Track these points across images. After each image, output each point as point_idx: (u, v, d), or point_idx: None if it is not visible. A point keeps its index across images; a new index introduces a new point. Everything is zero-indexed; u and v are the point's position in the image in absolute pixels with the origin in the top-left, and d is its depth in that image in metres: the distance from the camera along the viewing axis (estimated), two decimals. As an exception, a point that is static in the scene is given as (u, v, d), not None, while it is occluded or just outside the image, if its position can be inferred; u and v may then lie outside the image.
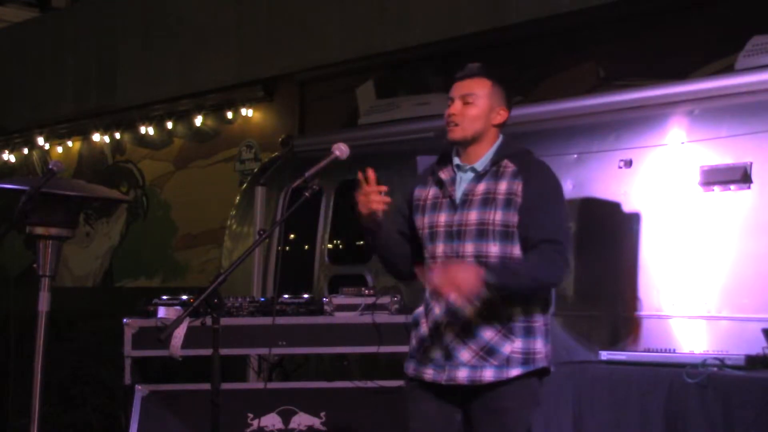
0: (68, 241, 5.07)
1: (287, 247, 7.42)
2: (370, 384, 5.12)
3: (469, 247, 3.40)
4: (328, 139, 6.12)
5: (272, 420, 5.13)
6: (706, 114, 5.30)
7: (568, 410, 4.61)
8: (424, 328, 3.49)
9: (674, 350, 4.78)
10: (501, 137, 3.56)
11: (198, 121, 10.86)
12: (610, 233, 5.49)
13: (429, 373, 3.44)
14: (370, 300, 5.11)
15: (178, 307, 5.05)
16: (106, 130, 12.09)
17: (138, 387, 5.11)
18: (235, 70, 9.98)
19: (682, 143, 5.27)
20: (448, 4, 8.00)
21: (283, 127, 9.80)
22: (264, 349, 5.27)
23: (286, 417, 5.14)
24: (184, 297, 5.24)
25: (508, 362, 3.32)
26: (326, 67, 9.29)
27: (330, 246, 7.01)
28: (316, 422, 5.13)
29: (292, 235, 7.39)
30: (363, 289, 5.26)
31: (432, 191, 3.57)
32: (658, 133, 5.40)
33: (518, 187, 3.39)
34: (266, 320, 5.01)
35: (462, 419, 3.44)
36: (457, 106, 3.51)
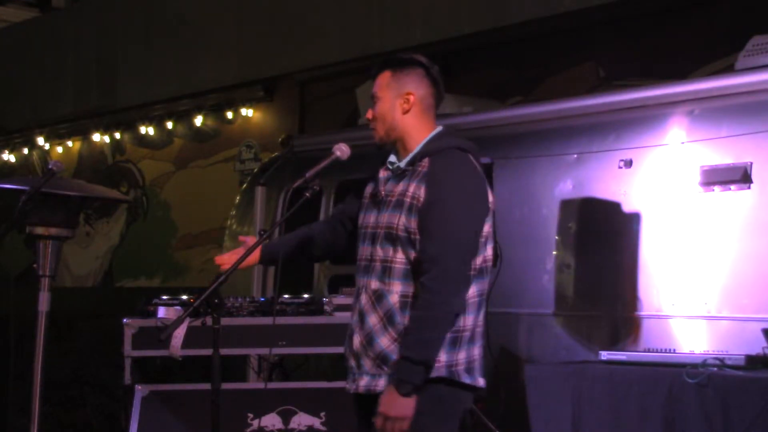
0: (68, 241, 5.07)
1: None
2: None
3: (379, 252, 3.24)
4: (328, 139, 6.13)
5: (272, 420, 5.14)
6: (706, 114, 5.29)
7: (568, 410, 4.61)
8: (348, 332, 3.35)
9: (674, 350, 4.77)
10: (437, 130, 3.33)
11: (198, 121, 10.86)
12: (610, 233, 5.48)
13: (347, 383, 3.32)
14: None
15: (178, 307, 5.05)
16: (106, 130, 12.10)
17: (138, 387, 5.11)
18: (235, 70, 9.98)
19: (682, 143, 5.27)
20: (448, 4, 8.01)
21: (283, 127, 9.81)
22: (264, 349, 5.27)
23: (286, 417, 5.14)
24: (184, 297, 5.24)
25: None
26: (326, 67, 9.29)
27: (330, 246, 7.00)
28: (316, 422, 5.13)
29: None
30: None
31: (369, 189, 3.43)
32: (658, 133, 5.40)
33: (421, 190, 3.18)
34: (266, 320, 5.01)
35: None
36: (369, 110, 3.40)
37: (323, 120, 9.67)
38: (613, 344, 5.28)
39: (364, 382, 3.21)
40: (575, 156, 5.67)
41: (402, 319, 3.14)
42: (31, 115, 12.63)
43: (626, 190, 5.41)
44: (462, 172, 3.21)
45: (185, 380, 5.95)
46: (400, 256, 3.20)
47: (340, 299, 5.17)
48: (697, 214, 5.12)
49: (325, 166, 3.58)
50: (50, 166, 4.72)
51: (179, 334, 4.35)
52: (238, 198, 7.92)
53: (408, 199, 3.20)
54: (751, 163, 4.93)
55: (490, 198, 3.26)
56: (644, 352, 4.77)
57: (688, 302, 5.11)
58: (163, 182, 11.63)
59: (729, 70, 5.72)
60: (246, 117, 10.49)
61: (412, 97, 3.33)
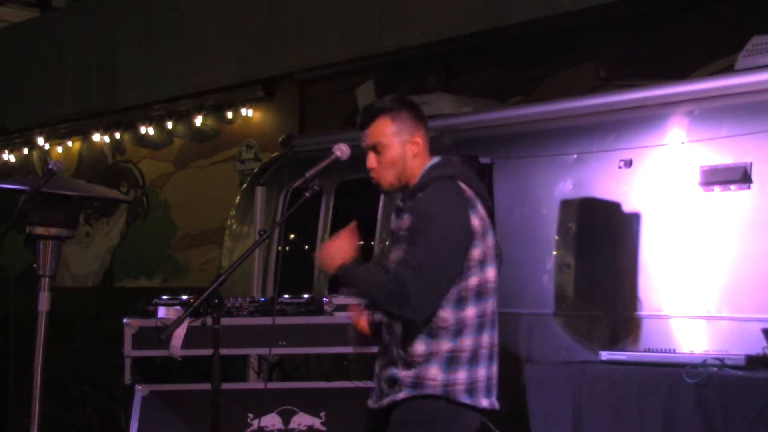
0: (68, 241, 5.07)
1: (287, 247, 7.42)
2: (370, 384, 5.11)
3: None
4: (328, 139, 6.13)
5: (272, 420, 5.14)
6: (706, 114, 5.30)
7: (568, 410, 4.61)
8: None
9: (674, 350, 4.77)
10: (431, 163, 3.37)
11: (198, 121, 10.86)
12: (610, 233, 5.49)
13: (370, 402, 3.43)
14: (370, 300, 5.10)
15: (178, 307, 5.05)
16: (106, 130, 12.10)
17: (138, 387, 5.11)
18: (235, 70, 9.98)
19: (682, 143, 5.27)
20: (448, 4, 8.01)
21: (283, 127, 9.81)
22: (264, 349, 5.27)
23: (286, 417, 5.14)
24: (184, 297, 5.24)
25: (399, 386, 3.25)
26: (326, 67, 9.30)
27: (330, 246, 7.00)
28: (316, 422, 5.13)
29: (292, 235, 7.39)
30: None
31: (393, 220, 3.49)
32: (658, 133, 5.40)
33: (407, 221, 3.27)
34: (266, 320, 5.01)
35: None
36: (371, 159, 3.36)
37: (323, 120, 9.67)
38: (613, 344, 5.28)
39: (386, 400, 3.31)
40: (575, 156, 5.67)
41: (410, 349, 3.22)
42: (31, 115, 12.63)
43: (626, 190, 5.41)
44: (437, 201, 3.25)
45: (185, 380, 5.96)
46: None
47: (340, 299, 5.16)
48: (697, 214, 5.12)
49: (325, 166, 3.58)
50: (50, 166, 4.72)
51: (179, 334, 4.36)
52: (238, 198, 7.92)
53: (402, 233, 3.28)
54: (751, 163, 4.93)
55: (475, 222, 3.26)
56: (644, 352, 4.77)
57: (688, 302, 5.11)
58: (163, 182, 11.63)
59: (729, 70, 5.72)
60: (246, 117, 10.49)
61: (420, 140, 3.36)
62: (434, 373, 3.20)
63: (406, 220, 3.28)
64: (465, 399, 3.23)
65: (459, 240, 3.21)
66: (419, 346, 3.21)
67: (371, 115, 3.37)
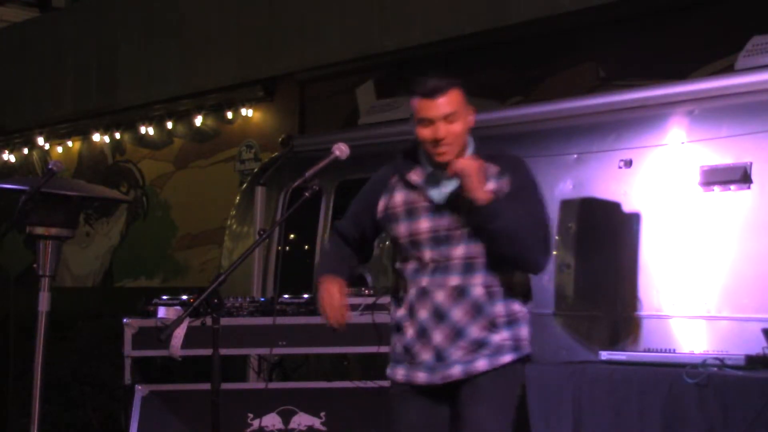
0: (68, 241, 5.07)
1: (287, 247, 7.42)
2: (370, 384, 5.12)
3: (459, 250, 3.42)
4: (328, 139, 6.12)
5: (272, 420, 5.14)
6: (706, 114, 5.29)
7: (568, 410, 4.61)
8: (410, 332, 3.49)
9: (674, 350, 4.77)
10: (470, 138, 3.53)
11: (198, 121, 10.86)
12: (610, 233, 5.48)
13: (421, 377, 3.46)
14: (370, 300, 5.10)
15: (178, 307, 5.05)
16: (106, 130, 12.10)
17: (138, 387, 5.11)
18: (235, 70, 9.98)
19: (682, 143, 5.27)
20: (448, 4, 8.01)
21: (283, 127, 9.81)
22: (264, 349, 5.27)
23: (286, 417, 5.14)
24: (184, 297, 5.24)
25: (499, 350, 3.41)
26: (326, 67, 9.29)
27: (330, 246, 7.00)
28: (316, 422, 5.13)
29: (292, 235, 7.39)
30: (363, 289, 5.26)
31: (402, 196, 3.53)
32: (658, 133, 5.40)
33: (504, 185, 3.42)
34: (266, 320, 5.01)
35: (450, 411, 3.51)
36: (441, 128, 3.41)
37: (323, 120, 9.67)
38: (613, 344, 5.28)
39: (457, 370, 3.39)
40: (575, 156, 5.67)
41: (491, 309, 3.40)
42: (31, 115, 12.63)
43: (626, 190, 5.41)
44: (530, 170, 3.53)
45: (185, 380, 5.96)
46: (482, 252, 3.40)
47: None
48: (697, 214, 5.12)
49: (324, 166, 3.59)
50: (50, 166, 4.72)
51: (179, 334, 4.36)
52: (238, 198, 7.92)
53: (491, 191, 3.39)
54: (751, 163, 4.93)
55: None
56: (644, 352, 4.77)
57: (688, 302, 5.11)
58: (163, 182, 11.63)
59: (729, 70, 5.72)
60: (246, 117, 10.49)
61: (473, 114, 3.50)
62: (524, 333, 3.47)
63: (500, 183, 3.40)
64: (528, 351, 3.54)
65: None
66: (499, 308, 3.41)
67: (445, 86, 3.42)
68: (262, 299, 5.38)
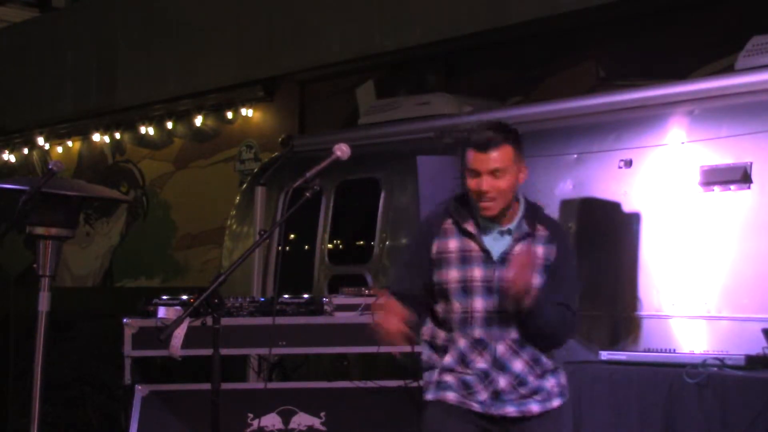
0: (68, 241, 5.07)
1: (287, 247, 7.42)
2: (370, 384, 5.12)
3: (493, 303, 3.47)
4: (328, 139, 6.13)
5: (272, 420, 5.13)
6: (706, 114, 5.30)
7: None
8: (468, 374, 3.51)
9: (674, 350, 4.78)
10: (521, 195, 3.55)
11: (198, 121, 10.86)
12: (610, 233, 5.49)
13: (476, 407, 3.52)
14: (370, 300, 5.10)
15: (178, 307, 5.05)
16: (106, 130, 12.10)
17: (138, 387, 5.11)
18: (235, 70, 9.98)
19: (682, 143, 5.27)
20: (448, 4, 8.01)
21: (283, 127, 9.81)
22: (264, 349, 5.26)
23: (286, 417, 5.13)
24: (184, 297, 5.24)
25: (549, 396, 3.54)
26: (326, 67, 9.29)
27: (330, 246, 7.02)
28: (316, 422, 5.13)
29: (292, 235, 7.39)
30: (363, 289, 5.26)
31: (456, 243, 3.51)
32: (658, 133, 5.40)
33: (552, 253, 3.47)
34: (266, 320, 5.00)
35: None
36: (488, 181, 3.41)
37: (323, 120, 9.67)
38: (613, 344, 5.29)
39: (511, 409, 3.51)
40: (575, 156, 5.67)
41: (547, 360, 3.54)
42: (31, 115, 12.63)
43: (626, 190, 5.41)
44: (569, 235, 3.74)
45: (185, 380, 5.95)
46: None
47: (340, 299, 5.17)
48: (697, 214, 5.12)
49: (325, 166, 3.58)
50: (50, 166, 4.72)
51: (179, 334, 4.35)
52: (238, 198, 7.92)
53: (541, 261, 3.46)
54: (751, 163, 4.93)
55: None
56: (644, 352, 4.77)
57: (688, 302, 5.11)
58: (163, 182, 11.63)
59: (729, 70, 5.72)
60: (246, 117, 10.49)
61: (526, 170, 3.52)
62: (564, 380, 3.61)
63: (545, 249, 3.47)
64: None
65: None
66: (546, 360, 3.54)
67: (498, 141, 3.43)
68: (262, 299, 5.38)
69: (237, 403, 5.08)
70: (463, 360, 3.50)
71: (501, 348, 3.47)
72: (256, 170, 8.49)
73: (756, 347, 4.46)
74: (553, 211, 5.63)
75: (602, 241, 5.53)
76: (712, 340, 4.93)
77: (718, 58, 6.71)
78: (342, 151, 3.67)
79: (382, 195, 6.66)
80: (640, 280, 5.28)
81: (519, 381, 3.49)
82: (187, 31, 10.47)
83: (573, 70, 7.76)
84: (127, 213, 12.09)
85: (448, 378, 3.54)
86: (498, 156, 3.40)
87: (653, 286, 5.25)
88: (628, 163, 5.43)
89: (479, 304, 3.46)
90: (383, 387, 5.08)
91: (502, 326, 3.47)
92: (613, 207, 5.43)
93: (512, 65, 8.16)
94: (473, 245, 3.47)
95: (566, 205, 5.61)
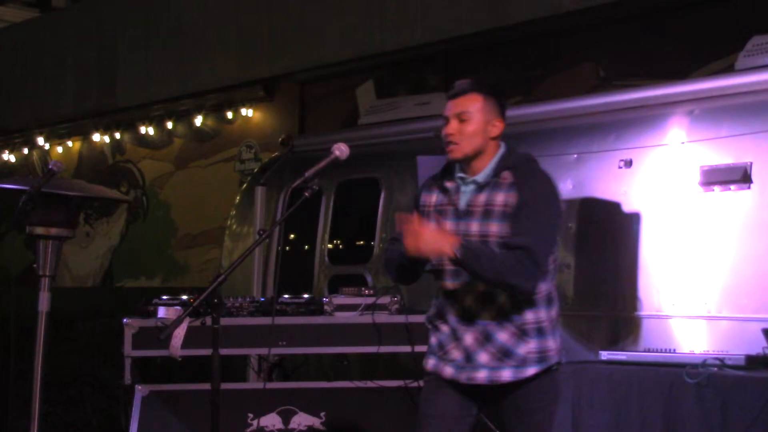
0: (68, 241, 5.07)
1: (287, 247, 7.42)
2: (370, 384, 5.13)
3: None
4: (328, 139, 6.13)
5: (272, 420, 5.14)
6: (706, 114, 5.30)
7: (568, 410, 4.61)
8: (444, 329, 3.56)
9: (674, 350, 4.78)
10: (504, 147, 3.59)
11: (198, 121, 10.86)
12: (610, 233, 5.49)
13: (448, 371, 3.53)
14: (370, 300, 5.11)
15: (178, 307, 5.05)
16: (106, 130, 12.10)
17: (138, 387, 5.11)
18: (235, 70, 9.98)
19: (682, 143, 5.27)
20: (448, 4, 8.00)
21: (283, 127, 9.81)
22: (264, 349, 5.27)
23: (286, 417, 5.14)
24: (184, 297, 5.24)
25: (524, 362, 3.45)
26: (326, 67, 9.29)
27: (330, 246, 7.02)
28: (316, 422, 5.13)
29: (292, 235, 7.39)
30: (363, 289, 5.26)
31: (436, 197, 3.62)
32: (658, 133, 5.40)
33: (513, 197, 3.45)
34: (266, 320, 5.01)
35: (478, 414, 3.59)
36: (453, 125, 3.53)
37: (323, 120, 9.67)
38: (613, 344, 5.29)
39: (483, 374, 3.46)
40: (575, 156, 5.67)
41: (517, 316, 3.44)
42: (31, 115, 12.62)
43: (626, 190, 5.41)
44: (544, 179, 3.53)
45: (185, 380, 5.95)
46: None
47: (340, 299, 5.17)
48: (697, 214, 5.12)
49: (324, 166, 3.59)
50: (50, 166, 4.72)
51: (179, 334, 4.35)
52: (238, 198, 7.92)
53: (499, 208, 3.45)
54: (751, 163, 4.93)
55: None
56: (644, 352, 4.77)
57: (688, 302, 5.11)
58: (163, 182, 11.63)
59: (729, 70, 5.72)
60: (246, 117, 10.49)
61: (501, 126, 3.57)
62: (552, 344, 3.49)
63: (506, 196, 3.44)
64: (564, 358, 3.58)
65: (562, 217, 3.63)
66: (528, 314, 3.44)
67: (466, 89, 3.55)
68: (262, 299, 5.38)
69: (237, 403, 5.08)
70: (441, 314, 3.57)
71: (468, 300, 3.48)
72: (256, 170, 8.48)
73: (756, 347, 4.46)
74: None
75: (602, 241, 5.53)
76: (712, 340, 4.93)
77: (718, 58, 6.71)
78: (341, 150, 3.68)
79: (382, 195, 6.66)
80: (640, 280, 5.28)
81: (485, 336, 3.44)
82: (187, 31, 10.47)
83: (573, 70, 7.76)
84: (127, 213, 12.09)
85: (432, 339, 3.61)
86: (464, 101, 3.54)
87: (653, 286, 5.25)
88: (628, 163, 5.43)
89: None
90: (383, 387, 5.08)
91: (470, 277, 3.46)
92: (613, 207, 5.43)
93: (512, 65, 8.16)
94: (446, 199, 3.57)
95: (566, 205, 5.60)
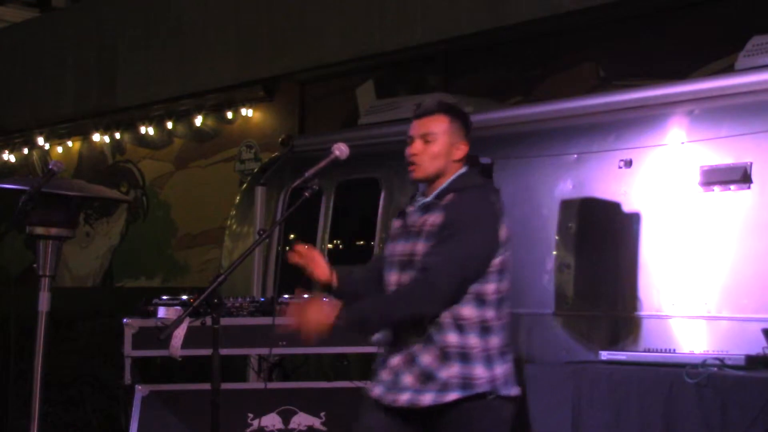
0: (68, 241, 5.07)
1: (287, 247, 7.42)
2: (370, 384, 5.12)
3: (406, 278, 3.42)
4: (328, 139, 6.12)
5: (272, 420, 5.14)
6: (706, 114, 5.29)
7: (568, 410, 4.61)
8: (380, 350, 3.54)
9: (674, 350, 4.77)
10: (463, 170, 3.53)
11: (198, 121, 10.86)
12: (610, 233, 5.48)
13: (375, 392, 3.48)
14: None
15: (178, 307, 5.05)
16: (106, 130, 12.10)
17: (138, 387, 5.11)
18: (235, 70, 9.98)
19: (682, 143, 5.27)
20: (448, 4, 8.01)
21: (283, 127, 9.81)
22: (264, 349, 5.27)
23: (286, 417, 5.14)
24: (184, 297, 5.24)
25: (445, 387, 3.34)
26: (326, 67, 9.30)
27: (330, 246, 7.01)
28: (316, 422, 5.13)
29: (292, 235, 7.39)
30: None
31: (398, 221, 3.59)
32: (658, 133, 5.40)
33: (440, 218, 3.40)
34: (266, 320, 5.01)
35: None
36: (417, 145, 3.50)
37: (323, 120, 9.67)
38: (613, 344, 5.28)
39: (405, 397, 3.38)
40: (575, 156, 5.67)
41: (440, 338, 3.34)
42: (31, 115, 12.63)
43: (626, 190, 5.41)
44: (477, 206, 3.44)
45: (185, 380, 5.96)
46: None
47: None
48: (697, 214, 5.12)
49: (324, 166, 3.59)
50: (50, 166, 4.72)
51: (179, 334, 4.35)
52: (238, 198, 7.92)
53: (427, 228, 3.41)
54: (751, 163, 4.93)
55: (502, 234, 3.44)
56: (644, 352, 4.77)
57: (688, 302, 5.11)
58: (163, 182, 11.63)
59: (729, 70, 5.72)
60: (246, 117, 10.49)
61: (465, 149, 3.53)
62: (479, 371, 3.35)
63: (437, 216, 3.40)
64: (503, 391, 3.41)
65: (490, 245, 3.41)
66: (452, 338, 3.34)
67: (433, 110, 3.53)
68: (262, 299, 5.38)
69: (237, 403, 5.08)
70: (383, 335, 3.53)
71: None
72: (256, 170, 8.48)
73: (756, 347, 4.45)
74: (553, 211, 5.64)
75: (602, 241, 5.53)
76: (712, 340, 4.93)
77: (718, 58, 6.71)
78: (340, 150, 3.68)
79: (382, 195, 6.66)
80: (640, 280, 5.28)
81: (410, 358, 3.38)
82: (187, 31, 10.47)
83: (573, 70, 7.77)
84: (127, 213, 12.09)
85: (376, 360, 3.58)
86: (429, 121, 3.51)
87: (653, 286, 5.25)
88: (628, 163, 5.43)
89: (393, 277, 3.48)
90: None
91: None
92: (613, 207, 5.43)
93: (512, 65, 8.16)
94: (402, 221, 3.55)
95: (566, 205, 5.60)
